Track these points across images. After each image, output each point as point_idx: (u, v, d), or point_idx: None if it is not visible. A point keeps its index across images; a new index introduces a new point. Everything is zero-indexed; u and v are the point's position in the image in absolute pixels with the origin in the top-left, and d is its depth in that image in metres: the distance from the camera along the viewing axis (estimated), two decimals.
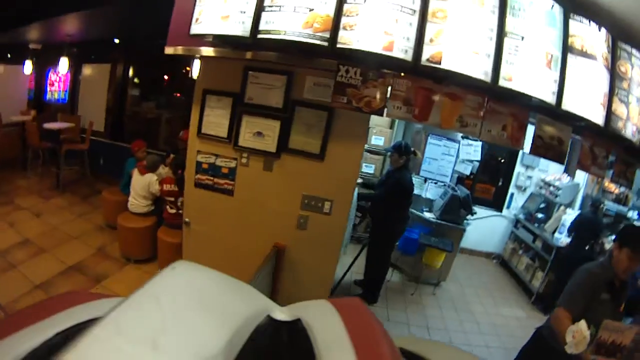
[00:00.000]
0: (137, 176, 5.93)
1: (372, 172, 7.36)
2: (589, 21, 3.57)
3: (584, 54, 3.52)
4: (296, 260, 4.08)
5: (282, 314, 0.68)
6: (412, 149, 5.72)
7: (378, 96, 3.31)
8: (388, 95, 3.31)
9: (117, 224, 5.93)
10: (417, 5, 3.17)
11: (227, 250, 4.23)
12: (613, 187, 8.28)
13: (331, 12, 3.14)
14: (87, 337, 0.46)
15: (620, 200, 8.45)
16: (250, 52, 3.64)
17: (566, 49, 3.45)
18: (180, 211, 5.15)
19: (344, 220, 4.00)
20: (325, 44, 3.12)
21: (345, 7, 3.14)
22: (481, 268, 8.69)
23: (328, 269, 4.16)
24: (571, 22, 3.50)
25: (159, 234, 5.53)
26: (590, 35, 3.57)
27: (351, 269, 6.01)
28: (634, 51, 3.89)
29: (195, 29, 3.47)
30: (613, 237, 7.09)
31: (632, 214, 8.24)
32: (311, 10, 3.15)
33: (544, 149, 3.65)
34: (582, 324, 2.64)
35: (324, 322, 0.64)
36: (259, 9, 3.24)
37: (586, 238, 6.92)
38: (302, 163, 3.84)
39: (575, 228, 7.13)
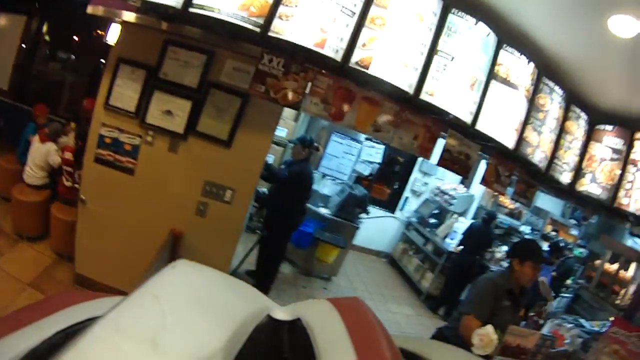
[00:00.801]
0: (37, 144, 5.39)
1: (271, 162, 7.19)
2: (520, 53, 3.72)
3: (507, 82, 3.67)
4: (193, 247, 3.88)
5: (282, 313, 0.63)
6: (316, 144, 5.75)
7: (297, 90, 3.27)
8: (307, 90, 3.31)
9: (11, 196, 5.40)
10: (358, 8, 3.16)
11: (124, 233, 4.00)
12: (507, 202, 8.96)
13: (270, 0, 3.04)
14: (87, 336, 0.43)
15: (514, 215, 9.14)
16: (174, 24, 3.44)
17: (491, 75, 3.59)
18: (77, 185, 4.79)
19: (244, 210, 3.94)
20: (257, 29, 3.04)
21: None
22: (371, 266, 8.89)
23: (224, 258, 4.08)
24: (502, 52, 3.64)
25: (52, 210, 4.96)
26: (517, 66, 3.72)
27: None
28: (556, 88, 4.11)
29: None
30: (504, 247, 7.78)
31: (525, 229, 8.88)
32: None
33: (451, 162, 3.79)
34: (489, 327, 2.75)
35: (324, 321, 0.61)
36: None
37: (477, 246, 7.32)
38: (208, 148, 3.71)
39: (467, 236, 7.51)
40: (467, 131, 3.69)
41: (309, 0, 3.05)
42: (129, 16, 3.50)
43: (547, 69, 4.00)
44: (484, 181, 4.17)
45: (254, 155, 3.76)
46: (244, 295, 0.68)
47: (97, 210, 3.99)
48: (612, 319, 4.48)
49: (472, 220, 8.43)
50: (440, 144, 3.73)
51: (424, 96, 3.33)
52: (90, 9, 3.61)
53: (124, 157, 3.78)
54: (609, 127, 4.57)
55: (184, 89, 3.61)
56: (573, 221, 9.78)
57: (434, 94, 3.34)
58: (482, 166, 4.29)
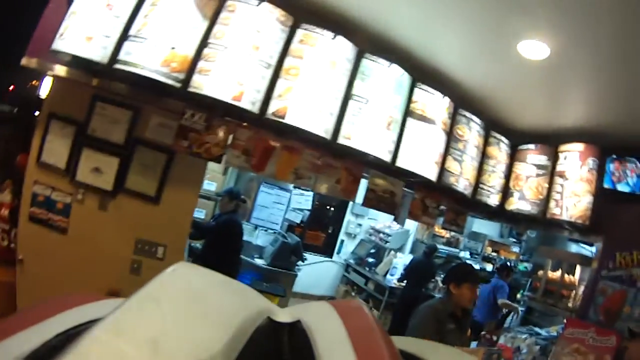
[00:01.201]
0: None
1: (202, 217, 7.07)
2: (435, 90, 3.87)
3: (423, 118, 3.80)
4: None
5: (282, 315, 0.63)
6: (242, 196, 5.82)
7: (219, 143, 3.30)
8: (229, 143, 3.36)
9: None
10: (274, 60, 3.25)
11: (63, 293, 3.88)
12: (443, 232, 9.24)
13: (191, 54, 3.09)
14: (87, 339, 0.41)
15: (451, 243, 9.48)
16: (101, 80, 3.36)
17: (407, 113, 3.73)
18: (13, 245, 4.65)
19: None
20: (178, 85, 3.06)
21: (206, 50, 3.10)
22: None
23: None
24: (416, 90, 3.78)
25: None
26: (432, 102, 3.86)
27: None
28: (474, 117, 4.28)
29: (57, 45, 3.15)
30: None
31: (464, 254, 9.16)
32: (173, 48, 3.04)
33: (377, 201, 3.88)
34: None
35: (324, 324, 0.59)
36: (124, 36, 3.07)
37: (420, 279, 7.49)
38: (137, 205, 3.65)
39: (409, 270, 7.69)
40: (388, 169, 3.78)
41: (227, 54, 3.09)
42: (59, 70, 3.41)
43: (463, 100, 4.17)
44: (411, 215, 4.28)
45: (182, 210, 3.74)
46: (244, 298, 0.68)
47: (35, 271, 3.88)
48: (565, 321, 4.51)
49: (411, 255, 8.66)
50: (364, 184, 3.84)
51: (341, 140, 3.41)
52: (24, 61, 3.52)
53: (57, 216, 3.63)
54: (531, 146, 4.76)
55: (111, 146, 3.52)
56: (512, 239, 10.12)
57: (351, 137, 3.42)
58: (409, 201, 4.38)
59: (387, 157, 3.63)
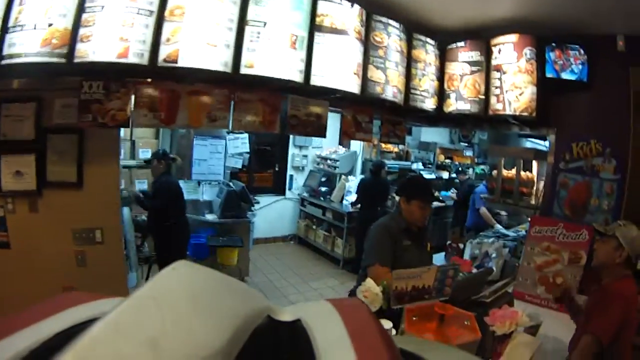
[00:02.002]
0: None
1: (145, 187, 6.89)
2: (340, 0, 3.63)
3: (334, 30, 3.57)
4: None
5: (282, 314, 0.54)
6: (172, 155, 5.69)
7: (122, 107, 3.08)
8: (132, 104, 3.13)
9: None
10: (154, 6, 2.98)
11: (18, 309, 3.70)
12: (391, 147, 9.16)
13: (70, 25, 2.84)
14: (86, 338, 0.39)
15: (401, 157, 9.46)
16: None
17: (313, 28, 3.49)
18: None
19: (119, 245, 3.76)
20: (64, 60, 2.83)
21: (84, 16, 2.85)
22: (280, 252, 8.81)
23: (122, 296, 3.79)
24: (320, 3, 3.53)
25: None
26: (341, 13, 3.62)
27: None
28: (390, 21, 4.06)
29: None
30: None
31: (417, 166, 9.23)
32: (50, 25, 2.81)
33: (302, 126, 3.72)
34: (369, 282, 2.58)
35: (324, 322, 0.55)
36: (4, 30, 2.85)
37: (373, 199, 7.43)
38: (63, 195, 3.48)
39: (360, 193, 7.63)
40: (304, 90, 3.60)
41: (105, 13, 2.86)
42: None
43: (375, 6, 3.95)
44: (344, 134, 4.14)
45: (107, 187, 3.59)
46: (244, 296, 0.59)
47: None
48: (529, 219, 4.50)
49: (361, 176, 8.62)
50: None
51: (244, 70, 3.19)
52: None
53: None
54: (461, 44, 4.62)
55: (24, 144, 3.34)
56: (463, 144, 10.20)
57: (254, 65, 3.21)
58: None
59: (298, 78, 3.43)
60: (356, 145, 9.13)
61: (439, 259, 4.34)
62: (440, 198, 7.80)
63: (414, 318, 2.41)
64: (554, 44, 4.20)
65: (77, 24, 2.85)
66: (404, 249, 3.13)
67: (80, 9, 2.86)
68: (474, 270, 3.96)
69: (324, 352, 0.53)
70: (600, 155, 4.11)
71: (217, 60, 3.10)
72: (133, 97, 3.12)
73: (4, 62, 2.85)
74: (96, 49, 2.84)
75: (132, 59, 2.90)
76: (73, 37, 2.83)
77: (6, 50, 2.83)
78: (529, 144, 7.88)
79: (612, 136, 4.07)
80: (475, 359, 0.93)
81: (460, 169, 9.31)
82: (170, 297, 0.50)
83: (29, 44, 2.79)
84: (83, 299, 0.68)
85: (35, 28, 2.79)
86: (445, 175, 9.87)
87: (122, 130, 3.47)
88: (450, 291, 2.68)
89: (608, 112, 4.15)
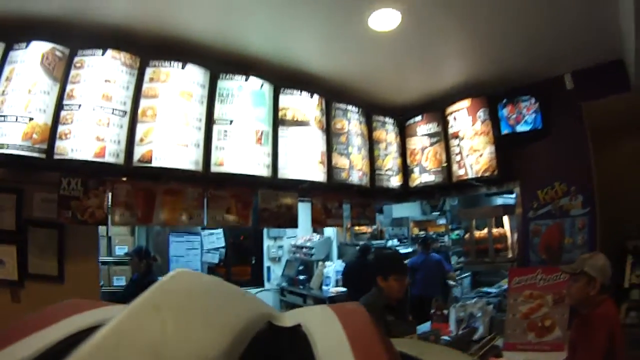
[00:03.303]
0: None
1: (123, 283, 6.76)
2: (300, 92, 3.88)
3: (296, 122, 3.81)
4: None
5: (282, 320, 0.61)
6: (152, 254, 5.47)
7: (100, 205, 3.18)
8: (110, 202, 3.25)
9: None
10: (127, 106, 3.16)
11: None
12: (364, 228, 9.22)
13: (49, 121, 2.98)
14: (88, 346, 0.41)
15: (376, 236, 9.48)
16: None
17: (277, 122, 3.71)
18: None
19: None
20: (44, 155, 2.95)
21: (62, 114, 3.01)
22: None
23: None
24: (281, 97, 3.78)
25: None
26: (301, 104, 3.87)
27: None
28: (349, 107, 4.33)
29: None
30: None
31: (392, 243, 9.28)
32: (31, 119, 2.93)
33: (274, 219, 3.83)
34: None
35: (324, 328, 0.57)
36: None
37: (358, 282, 7.37)
38: (45, 288, 3.46)
39: (346, 277, 7.63)
40: (274, 184, 3.76)
41: (82, 112, 3.02)
42: None
43: (334, 94, 4.20)
44: (315, 223, 4.26)
45: (87, 282, 3.62)
46: (244, 302, 0.65)
47: None
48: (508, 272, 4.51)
49: (340, 261, 8.70)
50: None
51: (214, 168, 3.38)
52: None
53: None
54: (418, 118, 4.88)
55: (5, 234, 3.33)
56: (435, 213, 10.22)
57: (224, 163, 3.40)
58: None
59: (266, 173, 3.63)
60: (330, 230, 9.13)
61: (425, 328, 4.41)
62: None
63: None
64: (505, 100, 4.41)
65: (56, 120, 2.99)
66: (387, 324, 3.18)
67: (59, 105, 3.01)
68: (460, 332, 4.09)
69: (324, 358, 0.55)
70: (566, 195, 4.24)
71: (189, 159, 3.27)
72: (110, 195, 3.23)
73: None
74: (75, 146, 2.97)
75: (108, 158, 3.05)
76: (52, 133, 2.97)
77: None
78: (500, 200, 8.03)
79: (575, 173, 4.21)
80: None
81: (432, 238, 9.34)
82: (171, 304, 0.52)
83: (11, 136, 2.89)
84: (85, 307, 0.70)
85: (17, 120, 2.91)
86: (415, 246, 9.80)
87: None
88: None
89: (567, 152, 4.30)
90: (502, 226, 5.48)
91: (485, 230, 5.44)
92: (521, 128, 4.40)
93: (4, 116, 2.92)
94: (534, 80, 4.33)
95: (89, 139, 3.01)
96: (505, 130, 4.45)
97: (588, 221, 4.13)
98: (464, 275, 8.75)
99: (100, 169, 3.12)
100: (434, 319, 4.66)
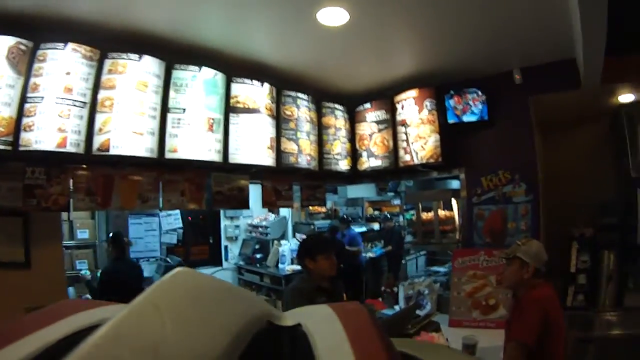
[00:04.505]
0: None
1: (86, 267, 6.75)
2: (252, 80, 4.08)
3: (247, 110, 4.01)
4: None
5: (282, 319, 0.66)
6: (125, 238, 5.64)
7: (62, 192, 3.30)
8: (71, 189, 3.35)
9: None
10: (87, 97, 3.27)
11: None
12: (318, 208, 9.41)
13: (14, 114, 3.05)
14: (87, 345, 0.42)
15: (330, 215, 9.82)
16: None
17: (228, 109, 3.90)
18: None
19: None
20: (9, 147, 3.03)
21: (26, 106, 3.08)
22: None
23: None
24: (233, 85, 3.96)
25: None
26: (252, 93, 4.08)
27: None
28: (299, 94, 4.56)
29: None
30: None
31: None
32: None
33: (227, 201, 4.03)
34: None
35: (324, 327, 0.60)
36: None
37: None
38: (13, 275, 3.53)
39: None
40: (225, 168, 3.93)
41: (44, 104, 3.10)
42: None
43: (284, 82, 4.40)
44: (265, 204, 4.46)
45: (53, 266, 3.70)
46: (244, 302, 0.66)
47: None
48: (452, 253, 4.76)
49: (295, 240, 8.83)
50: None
51: (168, 155, 3.55)
52: None
53: None
54: (367, 105, 5.13)
55: None
56: (390, 194, 10.63)
57: (177, 149, 3.57)
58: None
59: (218, 158, 3.80)
60: (285, 210, 9.28)
61: None
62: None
63: None
64: (452, 92, 4.64)
65: (20, 113, 3.07)
66: None
67: (23, 98, 3.09)
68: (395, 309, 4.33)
69: (324, 357, 0.55)
70: (509, 182, 4.48)
71: (144, 146, 3.43)
72: (71, 182, 3.35)
73: None
74: (38, 137, 3.04)
75: (69, 148, 3.16)
76: (17, 125, 3.05)
77: None
78: (455, 183, 8.29)
79: (518, 163, 4.44)
80: None
81: (386, 217, 9.68)
82: (170, 303, 0.51)
83: None
84: (84, 306, 0.69)
85: None
86: (376, 226, 10.23)
87: None
88: None
89: (512, 142, 4.51)
90: (451, 209, 5.70)
91: (431, 213, 5.67)
92: (467, 118, 4.61)
93: None
94: (482, 74, 4.53)
95: (51, 130, 3.11)
96: (451, 120, 4.67)
97: (531, 208, 4.38)
98: (420, 254, 9.13)
99: (62, 158, 3.24)
100: (384, 296, 4.87)
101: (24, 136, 3.07)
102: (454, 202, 5.58)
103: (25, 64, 3.12)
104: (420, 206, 5.81)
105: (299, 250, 3.55)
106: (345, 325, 0.62)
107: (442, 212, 5.70)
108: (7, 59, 3.05)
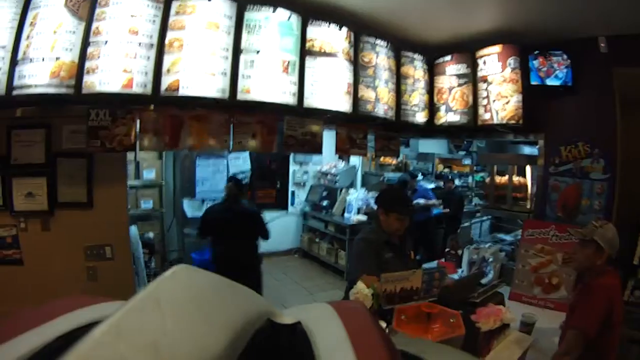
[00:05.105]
0: None
1: (150, 206, 7.06)
2: (329, 23, 3.79)
3: (323, 53, 3.74)
4: None
5: (282, 317, 0.62)
6: (245, 182, 5.84)
7: (128, 133, 3.25)
8: (138, 129, 3.29)
9: None
10: (154, 39, 3.16)
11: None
12: (389, 160, 9.22)
13: (76, 58, 3.03)
14: (88, 341, 0.41)
15: (400, 168, 9.45)
16: (7, 110, 3.30)
17: (304, 52, 3.66)
18: None
19: (127, 261, 3.92)
20: (72, 91, 3.01)
21: (89, 50, 3.03)
22: (286, 265, 8.78)
23: None
24: (309, 28, 3.70)
25: None
26: (329, 36, 3.79)
27: None
28: (378, 41, 4.22)
29: None
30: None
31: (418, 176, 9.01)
32: (57, 58, 2.99)
33: (299, 145, 3.85)
34: (360, 284, 2.63)
35: (324, 325, 0.63)
36: (14, 63, 3.03)
37: None
38: (75, 215, 3.65)
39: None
40: (299, 111, 3.74)
41: (109, 47, 3.04)
42: None
43: (363, 27, 4.10)
44: (339, 150, 4.24)
45: (116, 206, 3.74)
46: (245, 299, 0.65)
47: (5, 310, 3.82)
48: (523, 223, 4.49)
49: (363, 190, 8.72)
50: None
51: (241, 96, 3.37)
52: None
53: (9, 251, 3.63)
54: (447, 58, 4.75)
55: (35, 167, 3.52)
56: (462, 153, 10.15)
57: (250, 90, 3.38)
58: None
59: (292, 101, 3.60)
60: (355, 159, 9.20)
61: (432, 265, 4.30)
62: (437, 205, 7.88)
63: (403, 317, 2.50)
64: (536, 52, 4.30)
65: (82, 57, 3.04)
66: (386, 261, 3.09)
67: (85, 43, 3.05)
68: (462, 274, 4.08)
69: (325, 355, 0.55)
70: (589, 156, 4.18)
71: (215, 87, 3.27)
72: (138, 123, 3.29)
73: (15, 92, 3.03)
74: (102, 80, 3.02)
75: (136, 89, 3.08)
76: (80, 69, 3.02)
77: (16, 82, 3.01)
78: (527, 149, 7.88)
79: (599, 137, 4.13)
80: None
81: (449, 177, 9.19)
82: (171, 300, 0.51)
83: (38, 76, 2.97)
84: (86, 302, 0.70)
85: (43, 60, 2.98)
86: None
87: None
88: (438, 292, 2.76)
89: (594, 114, 4.20)
90: (524, 176, 5.48)
91: (505, 177, 5.43)
92: (551, 82, 4.32)
93: (30, 59, 3.00)
94: (568, 37, 4.19)
95: (116, 72, 3.04)
96: (534, 82, 4.36)
97: (607, 188, 4.10)
98: (485, 218, 8.76)
99: (128, 99, 3.15)
100: (447, 258, 4.68)
101: (87, 79, 3.03)
102: (527, 169, 5.38)
103: (86, 10, 3.09)
104: (495, 169, 5.49)
105: (377, 197, 3.51)
106: (346, 323, 0.62)
107: (515, 178, 5.47)
108: (66, 7, 3.06)
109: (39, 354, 0.52)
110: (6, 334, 0.56)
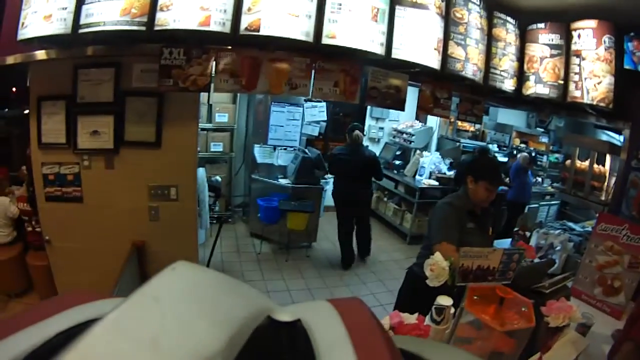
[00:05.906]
0: None
1: (220, 149, 7.15)
2: None
3: (414, 4, 3.43)
4: (158, 252, 3.84)
5: (282, 314, 0.51)
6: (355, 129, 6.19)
7: (203, 73, 3.10)
8: (213, 70, 3.15)
9: None
10: None
11: (93, 259, 3.81)
12: (467, 126, 8.76)
13: None
14: (87, 338, 0.39)
15: (477, 137, 8.98)
16: (75, 49, 3.25)
17: (394, 1, 3.36)
18: (39, 229, 4.58)
19: (192, 203, 3.86)
20: (144, 28, 2.88)
21: None
22: None
23: (190, 253, 3.98)
24: None
25: (28, 260, 4.76)
26: None
27: (217, 248, 5.81)
28: None
29: (22, 34, 3.08)
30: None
31: (492, 147, 8.67)
32: None
33: (382, 98, 3.64)
34: (437, 255, 2.46)
35: (324, 322, 0.57)
36: (79, 2, 2.91)
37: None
38: (141, 154, 3.60)
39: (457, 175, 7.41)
40: (386, 63, 3.50)
41: None
42: (32, 55, 3.33)
43: None
44: (421, 109, 3.98)
45: (185, 147, 3.68)
46: (244, 297, 0.55)
47: (63, 246, 3.86)
48: (597, 215, 4.18)
49: (437, 154, 8.52)
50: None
51: (325, 40, 3.12)
52: (11, 59, 3.43)
53: (69, 188, 3.66)
54: (541, 25, 4.32)
55: (102, 106, 3.47)
56: (540, 129, 9.61)
57: (336, 36, 3.13)
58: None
59: (380, 51, 3.31)
60: (433, 121, 8.82)
61: (505, 245, 4.13)
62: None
63: (475, 297, 2.32)
64: (632, 34, 3.90)
65: None
66: (467, 231, 2.97)
67: None
68: (536, 259, 3.75)
69: (324, 353, 0.52)
70: None
71: (299, 29, 3.03)
72: (214, 63, 3.12)
73: (82, 31, 2.92)
74: (177, 17, 2.86)
75: (213, 27, 2.89)
76: (152, 6, 2.86)
77: (83, 20, 2.90)
78: (605, 136, 7.38)
79: None
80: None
81: (512, 152, 8.70)
82: (170, 297, 0.49)
83: (107, 13, 2.86)
84: (84, 299, 0.66)
85: None
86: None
87: (200, 94, 3.52)
88: (513, 276, 2.51)
89: None
90: (603, 164, 5.13)
91: (587, 162, 5.09)
92: None
93: None
94: None
95: (192, 8, 2.87)
96: (627, 65, 3.95)
97: None
98: (553, 202, 8.36)
99: (205, 37, 3.01)
100: (515, 238, 4.45)
101: (160, 16, 2.89)
102: (607, 158, 5.07)
103: None
104: (577, 152, 5.11)
105: (469, 163, 3.33)
106: (346, 320, 0.58)
107: (595, 166, 5.16)
108: None
109: (40, 350, 0.50)
110: (4, 331, 0.53)
